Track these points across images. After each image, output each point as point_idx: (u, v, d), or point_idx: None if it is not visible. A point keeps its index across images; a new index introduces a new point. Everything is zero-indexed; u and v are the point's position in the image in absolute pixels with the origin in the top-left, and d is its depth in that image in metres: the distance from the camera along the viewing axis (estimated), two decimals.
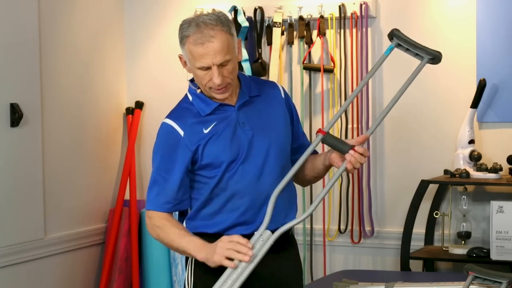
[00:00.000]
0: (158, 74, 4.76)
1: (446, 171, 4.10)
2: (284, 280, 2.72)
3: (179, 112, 2.68)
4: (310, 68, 4.41)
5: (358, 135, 4.26)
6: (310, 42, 4.37)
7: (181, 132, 2.63)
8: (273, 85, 2.82)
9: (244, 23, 4.42)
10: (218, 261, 2.50)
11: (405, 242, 4.00)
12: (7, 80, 4.01)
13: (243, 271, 2.46)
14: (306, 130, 4.29)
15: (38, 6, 4.18)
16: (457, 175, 3.98)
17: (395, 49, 2.66)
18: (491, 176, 3.95)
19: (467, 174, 3.96)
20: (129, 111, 4.77)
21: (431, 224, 4.18)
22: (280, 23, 4.41)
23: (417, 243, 4.12)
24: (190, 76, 2.70)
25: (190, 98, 2.70)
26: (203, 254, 2.54)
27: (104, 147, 4.68)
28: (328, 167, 2.71)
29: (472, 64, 4.12)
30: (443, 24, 4.20)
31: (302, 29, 4.38)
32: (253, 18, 4.47)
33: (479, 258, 3.89)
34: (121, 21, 4.81)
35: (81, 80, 4.52)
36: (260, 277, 2.62)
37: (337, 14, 4.33)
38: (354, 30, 4.31)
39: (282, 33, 4.43)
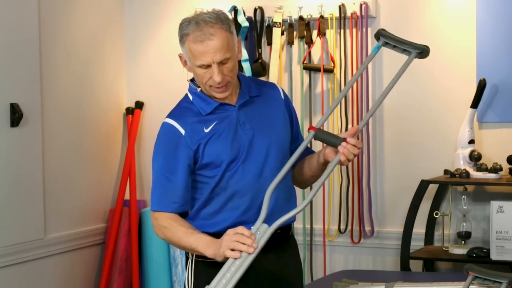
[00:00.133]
0: (158, 74, 4.76)
1: (446, 171, 4.10)
2: (284, 280, 2.72)
3: (180, 111, 2.68)
4: (310, 68, 4.40)
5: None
6: (310, 42, 4.37)
7: (182, 131, 2.63)
8: (273, 86, 2.83)
9: (244, 23, 4.42)
10: (224, 254, 2.48)
11: (405, 242, 4.00)
12: (7, 80, 4.01)
13: (242, 265, 2.45)
14: (306, 130, 4.29)
15: (38, 6, 4.18)
16: (457, 175, 3.98)
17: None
18: (491, 176, 3.95)
19: (467, 174, 3.96)
20: (129, 111, 4.77)
21: (431, 224, 4.18)
22: (280, 23, 4.41)
23: (417, 243, 4.11)
24: (190, 75, 2.70)
25: (191, 97, 2.70)
26: (212, 250, 2.53)
27: (104, 147, 4.68)
28: (323, 164, 2.70)
29: (472, 64, 4.12)
30: (443, 24, 4.19)
31: (302, 29, 4.38)
32: (253, 18, 4.47)
33: (479, 258, 3.89)
34: (121, 21, 4.81)
35: (81, 80, 4.51)
36: (260, 277, 2.63)
37: (337, 14, 4.33)
38: (354, 30, 4.31)
39: (282, 33, 4.43)
